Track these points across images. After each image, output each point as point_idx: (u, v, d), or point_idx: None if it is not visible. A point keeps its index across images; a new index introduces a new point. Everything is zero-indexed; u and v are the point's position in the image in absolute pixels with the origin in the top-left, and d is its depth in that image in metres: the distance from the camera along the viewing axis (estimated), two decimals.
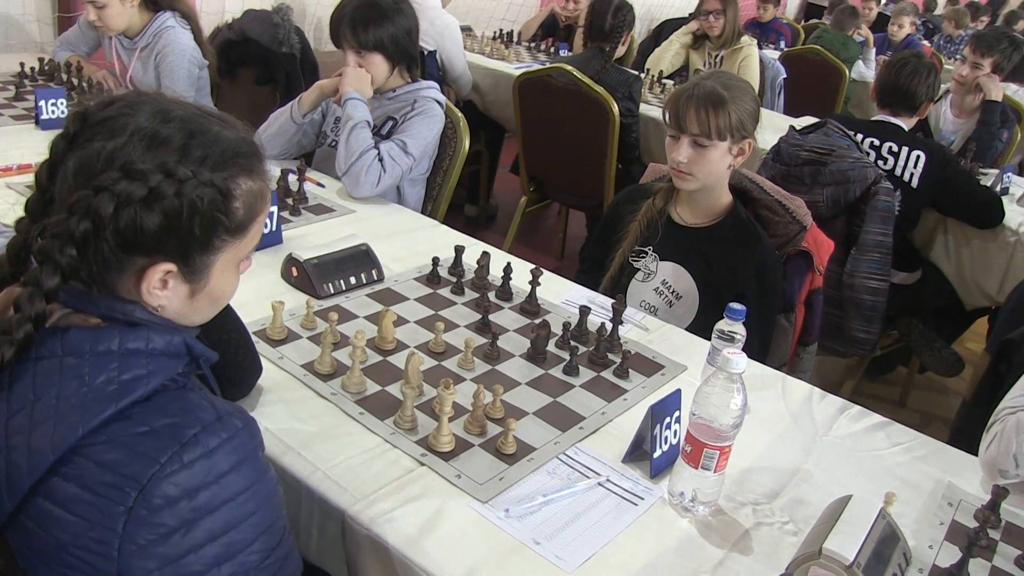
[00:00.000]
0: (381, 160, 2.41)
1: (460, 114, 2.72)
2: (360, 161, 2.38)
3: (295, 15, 3.95)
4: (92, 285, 1.00)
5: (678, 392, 1.49)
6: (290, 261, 1.92)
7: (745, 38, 4.76)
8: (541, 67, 3.79)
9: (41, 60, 3.40)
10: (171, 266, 1.01)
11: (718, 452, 1.33)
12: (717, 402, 1.31)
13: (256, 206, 1.08)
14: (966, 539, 1.29)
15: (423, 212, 2.67)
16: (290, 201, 2.32)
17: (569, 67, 3.56)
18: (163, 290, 1.02)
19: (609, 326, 1.79)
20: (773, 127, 3.72)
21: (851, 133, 3.07)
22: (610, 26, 3.73)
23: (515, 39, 5.16)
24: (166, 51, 3.22)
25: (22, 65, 3.29)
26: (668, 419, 1.46)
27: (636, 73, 3.90)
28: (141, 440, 0.93)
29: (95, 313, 1.01)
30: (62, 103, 2.83)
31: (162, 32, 3.23)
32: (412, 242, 2.23)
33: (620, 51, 3.81)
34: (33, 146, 2.62)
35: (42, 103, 2.81)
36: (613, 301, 1.83)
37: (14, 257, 1.04)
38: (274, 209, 2.09)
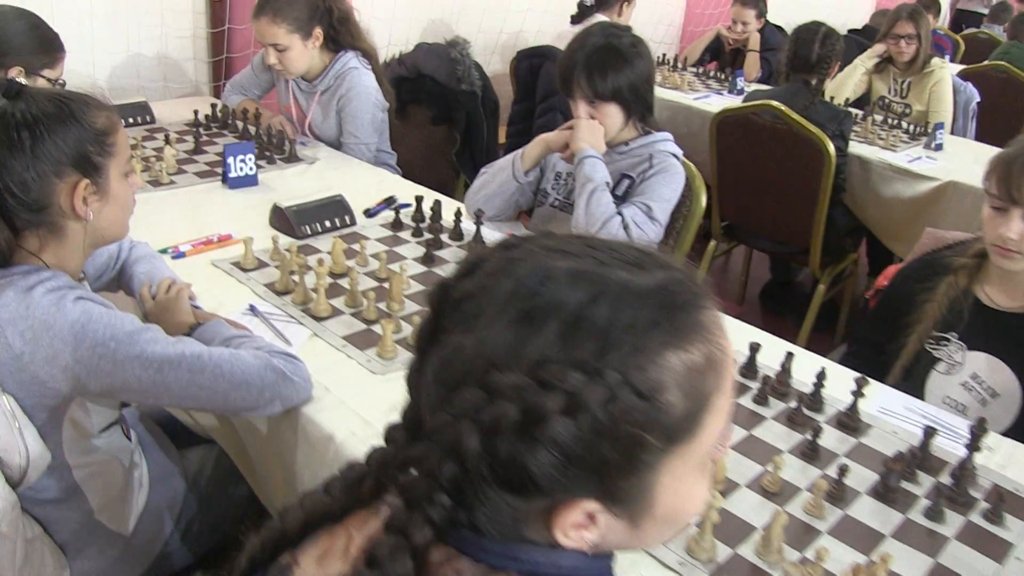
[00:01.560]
0: (626, 228, 2.12)
1: (696, 170, 2.41)
2: (604, 230, 2.09)
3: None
4: (487, 531, 0.71)
5: None
6: None
7: (936, 60, 4.34)
8: (742, 104, 3.46)
9: (214, 107, 3.20)
10: (591, 504, 0.69)
11: None
12: None
13: (704, 385, 0.69)
14: None
15: None
16: None
17: (776, 103, 3.22)
18: (588, 530, 0.71)
19: (965, 453, 1.47)
20: (973, 157, 3.40)
21: None
22: (817, 56, 3.37)
23: (679, 64, 4.81)
24: (350, 95, 3.01)
25: (196, 113, 3.10)
26: None
27: (847, 109, 3.53)
28: None
29: (496, 565, 0.71)
30: (251, 159, 2.61)
31: (345, 74, 3.02)
32: None
33: (827, 85, 3.46)
34: (227, 213, 2.40)
35: (230, 160, 2.57)
36: (972, 424, 1.50)
37: (376, 478, 0.77)
38: None
